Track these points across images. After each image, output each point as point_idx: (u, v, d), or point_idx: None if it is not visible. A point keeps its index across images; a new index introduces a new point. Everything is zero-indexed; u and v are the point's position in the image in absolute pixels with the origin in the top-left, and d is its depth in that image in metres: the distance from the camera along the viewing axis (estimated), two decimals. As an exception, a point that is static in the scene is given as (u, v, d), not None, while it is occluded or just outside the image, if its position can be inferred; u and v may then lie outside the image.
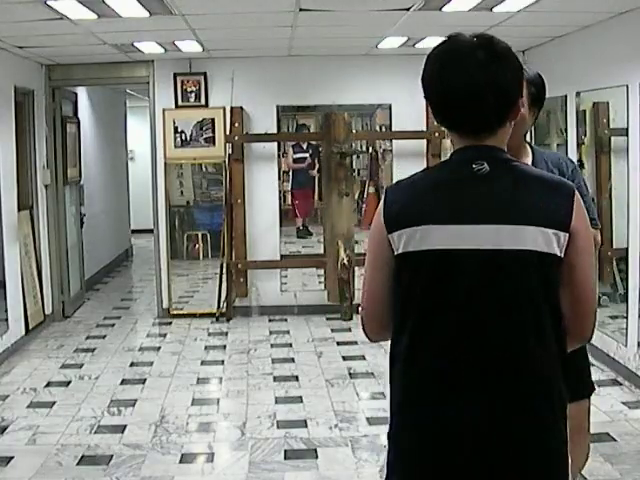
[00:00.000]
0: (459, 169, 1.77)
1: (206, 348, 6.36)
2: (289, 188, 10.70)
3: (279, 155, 7.86)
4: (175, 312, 7.38)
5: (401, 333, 1.77)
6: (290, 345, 6.29)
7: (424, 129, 7.15)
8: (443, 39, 1.78)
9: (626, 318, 5.15)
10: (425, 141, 7.18)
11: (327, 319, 7.08)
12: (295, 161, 10.15)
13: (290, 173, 10.23)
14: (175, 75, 7.20)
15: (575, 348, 1.84)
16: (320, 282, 7.61)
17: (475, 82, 1.69)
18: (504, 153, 1.79)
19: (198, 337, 6.70)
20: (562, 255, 1.71)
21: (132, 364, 5.89)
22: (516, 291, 1.71)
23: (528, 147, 2.70)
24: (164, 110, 7.19)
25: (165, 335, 6.82)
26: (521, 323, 1.71)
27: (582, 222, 1.75)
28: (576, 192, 1.77)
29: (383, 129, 7.41)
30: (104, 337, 6.73)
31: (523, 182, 1.75)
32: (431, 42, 6.37)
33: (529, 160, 2.64)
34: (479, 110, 1.72)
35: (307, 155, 10.09)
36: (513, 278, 1.70)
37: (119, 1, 4.47)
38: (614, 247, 5.84)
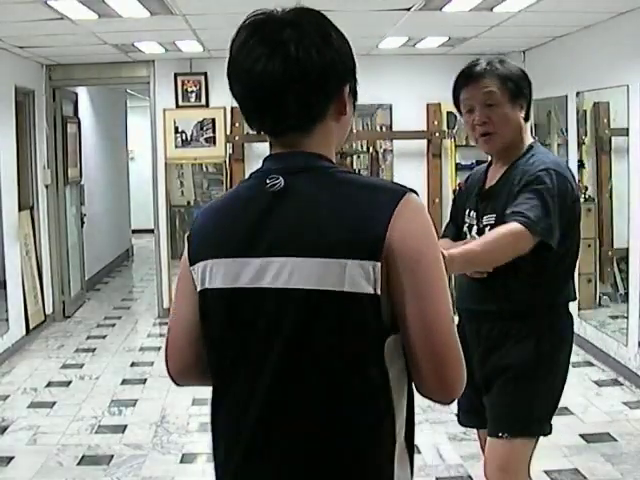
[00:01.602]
0: (255, 185, 1.41)
1: (206, 348, 6.35)
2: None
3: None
4: (175, 312, 7.36)
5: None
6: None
7: (424, 129, 7.15)
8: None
9: (627, 318, 5.15)
10: (426, 141, 7.18)
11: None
12: None
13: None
14: (175, 75, 7.20)
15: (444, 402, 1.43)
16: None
17: (270, 68, 1.34)
18: (319, 159, 1.40)
19: (198, 337, 6.69)
20: (378, 292, 1.30)
21: (133, 364, 5.89)
22: (305, 344, 1.34)
23: (524, 148, 2.46)
24: (164, 110, 7.20)
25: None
26: (317, 386, 1.35)
27: (410, 239, 1.31)
28: (403, 200, 1.33)
29: (383, 129, 7.39)
30: (105, 337, 6.73)
31: (329, 200, 1.35)
32: (431, 42, 6.38)
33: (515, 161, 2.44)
34: (275, 103, 1.37)
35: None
36: (299, 325, 1.34)
37: (119, 1, 4.47)
38: (615, 247, 5.85)
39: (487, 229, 2.41)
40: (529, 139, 2.51)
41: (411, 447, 1.45)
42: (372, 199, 1.34)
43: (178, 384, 1.66)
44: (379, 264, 1.29)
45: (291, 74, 1.33)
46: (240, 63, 1.38)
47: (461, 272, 2.42)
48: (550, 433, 2.48)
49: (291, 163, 1.39)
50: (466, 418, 2.68)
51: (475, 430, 2.77)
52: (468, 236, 2.53)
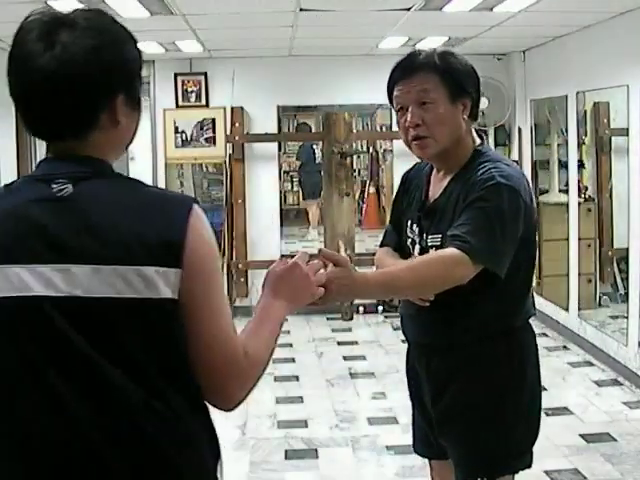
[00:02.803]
0: (38, 190, 1.33)
1: (206, 348, 6.35)
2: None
3: (279, 155, 7.86)
4: (175, 312, 7.37)
5: None
6: (290, 345, 6.28)
7: (424, 129, 7.15)
8: None
9: (627, 318, 5.14)
10: (425, 141, 7.17)
11: (327, 319, 7.07)
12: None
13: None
14: (176, 75, 7.20)
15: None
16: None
17: (40, 67, 1.31)
18: (102, 165, 1.37)
19: (198, 337, 6.69)
20: (176, 297, 1.30)
21: (132, 364, 5.88)
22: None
23: (468, 155, 2.16)
24: (164, 110, 7.19)
25: (165, 335, 6.81)
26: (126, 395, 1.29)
27: (202, 248, 1.33)
28: (194, 210, 1.34)
29: (384, 129, 7.40)
30: (104, 337, 6.72)
31: (121, 207, 1.32)
32: (432, 42, 6.38)
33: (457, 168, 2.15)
34: (47, 105, 1.33)
35: None
36: (92, 335, 1.28)
37: (119, 1, 4.48)
38: (615, 247, 5.85)
39: (432, 250, 2.11)
40: (474, 142, 2.18)
41: None
42: (166, 207, 1.34)
43: None
44: (180, 271, 1.30)
45: (56, 79, 1.30)
46: (16, 59, 1.36)
47: (378, 298, 2.20)
48: (531, 465, 2.23)
49: (76, 168, 1.34)
50: (421, 449, 2.44)
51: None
52: (412, 252, 2.24)
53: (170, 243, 1.29)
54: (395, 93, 2.16)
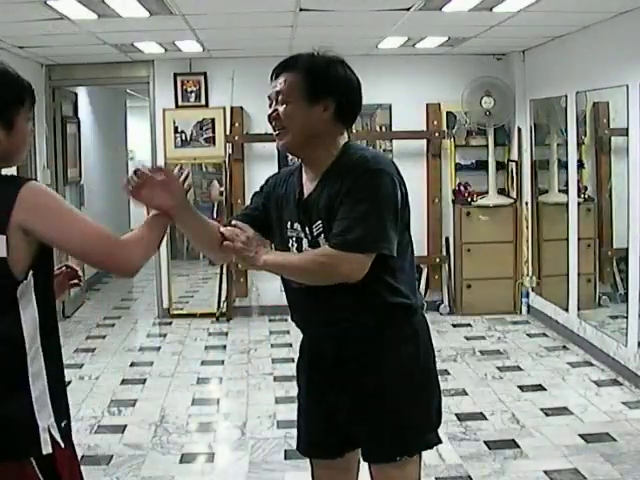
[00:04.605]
0: None
1: (206, 348, 6.36)
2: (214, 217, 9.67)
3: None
4: (175, 312, 7.38)
5: None
6: (290, 345, 6.28)
7: (424, 129, 7.15)
8: None
9: (626, 318, 5.15)
10: (425, 141, 7.18)
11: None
12: (221, 194, 9.58)
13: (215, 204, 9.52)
14: (175, 75, 7.20)
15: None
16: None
17: None
18: None
19: (198, 337, 6.70)
20: (4, 255, 1.81)
21: (132, 364, 5.88)
22: None
23: (336, 153, 2.27)
24: (164, 110, 7.20)
25: (165, 335, 6.82)
26: None
27: (35, 209, 1.82)
28: (24, 186, 1.83)
29: (383, 129, 7.39)
30: (104, 337, 6.73)
31: None
32: (431, 42, 6.38)
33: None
34: None
35: None
36: None
37: (119, 1, 4.47)
38: (614, 247, 5.85)
39: (320, 237, 2.24)
40: (341, 143, 2.30)
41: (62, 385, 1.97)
42: (2, 190, 1.82)
43: None
44: (4, 236, 1.79)
45: None
46: None
47: (270, 270, 2.27)
48: (440, 440, 2.38)
49: None
50: (310, 449, 2.48)
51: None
52: (301, 250, 2.31)
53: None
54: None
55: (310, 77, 2.24)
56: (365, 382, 2.28)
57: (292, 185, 2.38)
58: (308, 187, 2.33)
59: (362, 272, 2.14)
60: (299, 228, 2.31)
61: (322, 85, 2.23)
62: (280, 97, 2.27)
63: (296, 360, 2.54)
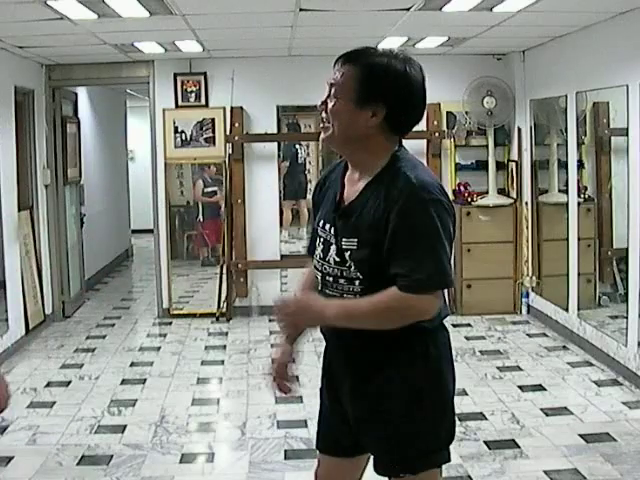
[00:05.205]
0: None
1: (206, 348, 6.36)
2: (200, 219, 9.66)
3: (279, 155, 7.86)
4: (175, 312, 7.38)
5: None
6: (290, 345, 6.29)
7: (424, 129, 7.14)
8: None
9: (626, 318, 5.14)
10: (425, 141, 7.18)
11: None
12: (204, 194, 9.57)
13: (200, 205, 9.41)
14: (175, 75, 7.20)
15: None
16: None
17: None
18: None
19: (198, 337, 6.70)
20: None
21: (132, 364, 5.88)
22: None
23: (384, 160, 2.15)
24: (164, 110, 7.19)
25: (165, 335, 6.82)
26: None
27: None
28: None
29: (383, 129, 7.40)
30: (104, 337, 6.73)
31: None
32: (431, 42, 6.38)
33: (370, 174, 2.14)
34: None
35: (216, 189, 9.09)
36: None
37: (119, 1, 4.47)
38: (614, 247, 5.86)
39: (347, 254, 2.13)
40: (390, 151, 2.16)
41: None
42: None
43: None
44: None
45: None
46: None
47: (337, 325, 2.15)
48: (450, 459, 2.26)
49: None
50: (326, 446, 2.47)
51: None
52: (327, 255, 2.22)
53: None
54: None
55: (364, 78, 2.10)
56: (366, 397, 2.23)
57: (335, 183, 2.29)
58: (349, 191, 2.21)
59: (434, 310, 2.07)
60: (332, 232, 2.21)
61: (374, 90, 2.10)
62: (333, 90, 2.18)
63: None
